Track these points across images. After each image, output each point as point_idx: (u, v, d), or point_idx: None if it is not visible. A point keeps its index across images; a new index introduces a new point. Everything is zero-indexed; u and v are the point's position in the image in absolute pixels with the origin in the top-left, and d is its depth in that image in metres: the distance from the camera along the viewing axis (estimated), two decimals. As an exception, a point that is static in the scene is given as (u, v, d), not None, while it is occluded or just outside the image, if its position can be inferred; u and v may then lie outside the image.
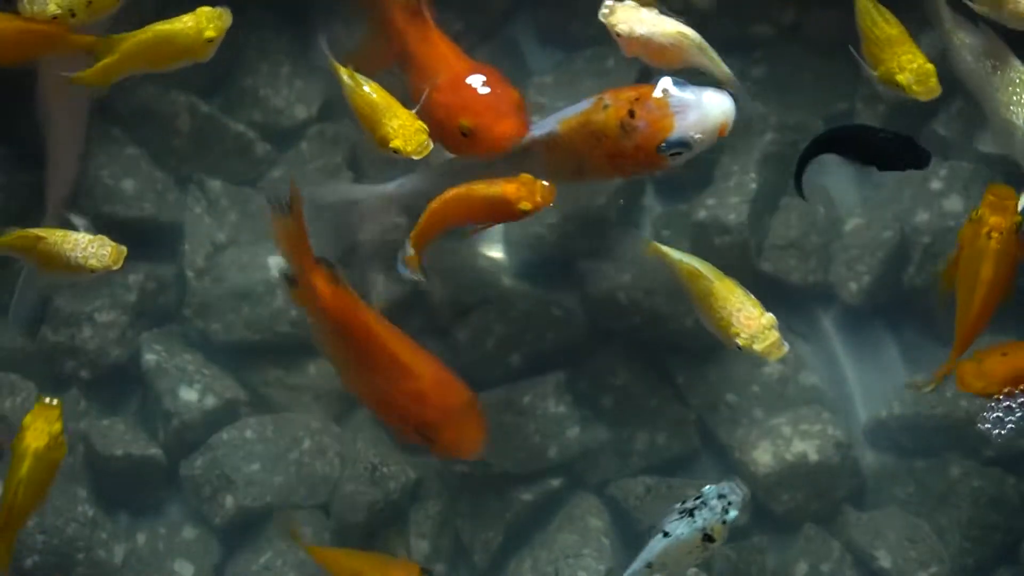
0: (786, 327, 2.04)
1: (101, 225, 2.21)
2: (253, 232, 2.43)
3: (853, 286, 2.39)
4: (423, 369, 2.09)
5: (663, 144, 2.03)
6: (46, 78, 2.34)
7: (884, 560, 2.29)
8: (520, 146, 2.09)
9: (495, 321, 2.36)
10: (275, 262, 2.36)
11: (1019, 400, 2.07)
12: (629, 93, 2.07)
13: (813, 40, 2.50)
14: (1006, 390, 2.07)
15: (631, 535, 2.32)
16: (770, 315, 2.03)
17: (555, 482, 2.33)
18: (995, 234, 2.05)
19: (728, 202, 2.37)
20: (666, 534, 2.00)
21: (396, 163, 2.11)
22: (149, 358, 2.35)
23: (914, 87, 2.07)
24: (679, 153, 2.05)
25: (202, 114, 2.44)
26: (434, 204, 2.05)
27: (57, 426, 2.04)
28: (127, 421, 2.36)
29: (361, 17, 2.27)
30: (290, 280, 2.15)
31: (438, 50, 2.13)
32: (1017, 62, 2.20)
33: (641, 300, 2.35)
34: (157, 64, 2.09)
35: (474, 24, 2.47)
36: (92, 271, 2.07)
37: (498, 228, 2.37)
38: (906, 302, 2.41)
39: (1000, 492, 2.29)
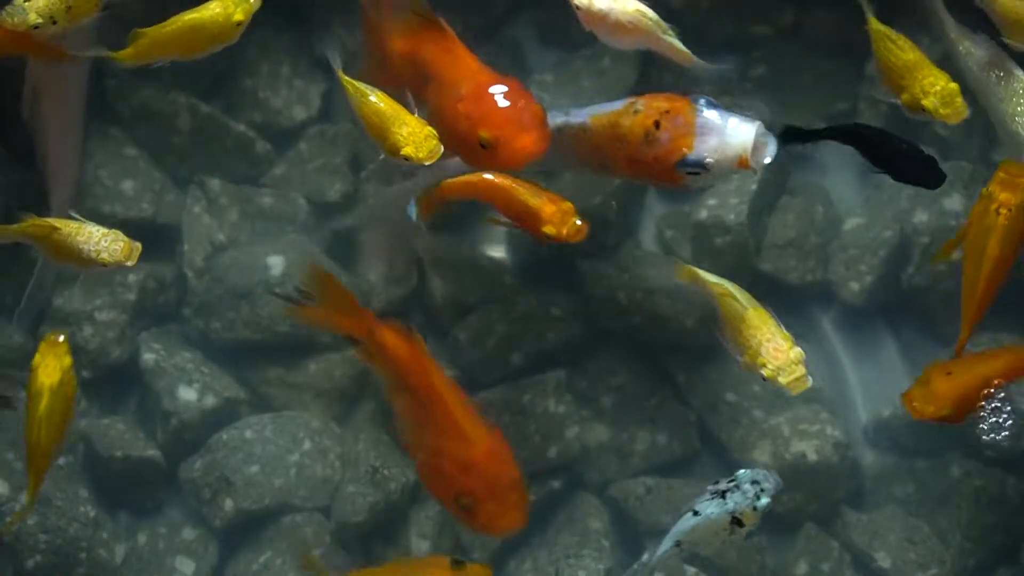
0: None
1: (101, 225, 2.21)
2: (253, 232, 2.43)
3: (854, 286, 2.39)
4: (478, 437, 2.05)
5: (679, 162, 2.01)
6: (36, 78, 2.33)
7: (884, 561, 2.28)
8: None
9: (496, 321, 2.35)
10: (275, 262, 2.36)
11: (996, 401, 2.06)
12: (661, 103, 2.03)
13: (813, 40, 2.50)
14: (985, 392, 2.06)
15: (631, 536, 2.31)
16: (799, 349, 1.99)
17: (555, 483, 2.33)
18: (1004, 210, 2.04)
19: (728, 203, 2.37)
20: (696, 513, 1.97)
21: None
22: (148, 357, 2.35)
23: (941, 110, 2.04)
24: (696, 174, 2.01)
25: (202, 114, 2.43)
26: (479, 178, 2.08)
27: (67, 360, 2.03)
28: (127, 420, 2.36)
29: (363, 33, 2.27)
30: (352, 341, 2.17)
31: (462, 62, 2.08)
32: (1021, 73, 2.19)
33: (641, 300, 2.35)
34: (189, 52, 2.08)
35: (474, 24, 2.47)
36: (104, 265, 2.06)
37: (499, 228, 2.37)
38: (906, 302, 2.41)
39: (1001, 492, 2.29)
